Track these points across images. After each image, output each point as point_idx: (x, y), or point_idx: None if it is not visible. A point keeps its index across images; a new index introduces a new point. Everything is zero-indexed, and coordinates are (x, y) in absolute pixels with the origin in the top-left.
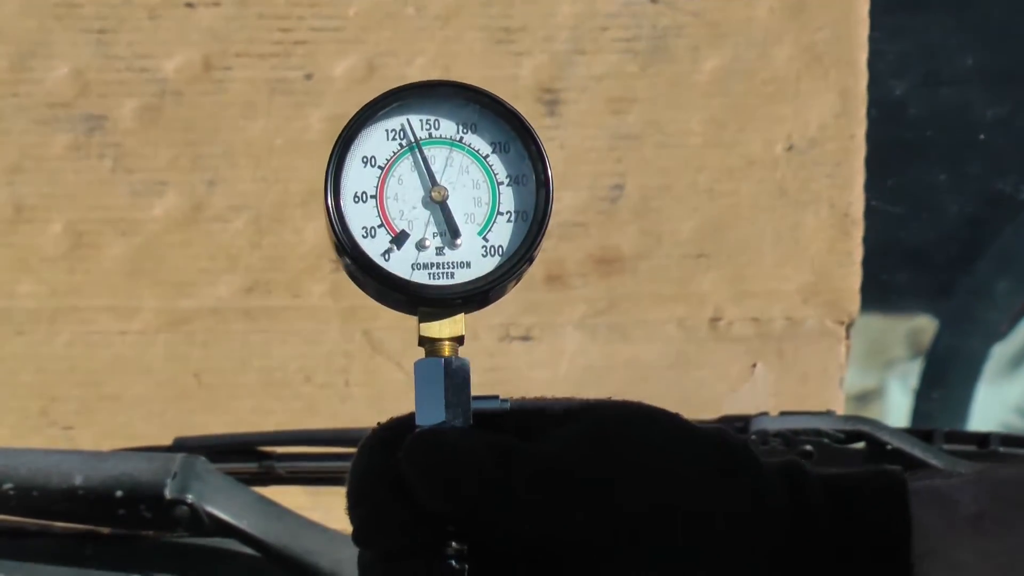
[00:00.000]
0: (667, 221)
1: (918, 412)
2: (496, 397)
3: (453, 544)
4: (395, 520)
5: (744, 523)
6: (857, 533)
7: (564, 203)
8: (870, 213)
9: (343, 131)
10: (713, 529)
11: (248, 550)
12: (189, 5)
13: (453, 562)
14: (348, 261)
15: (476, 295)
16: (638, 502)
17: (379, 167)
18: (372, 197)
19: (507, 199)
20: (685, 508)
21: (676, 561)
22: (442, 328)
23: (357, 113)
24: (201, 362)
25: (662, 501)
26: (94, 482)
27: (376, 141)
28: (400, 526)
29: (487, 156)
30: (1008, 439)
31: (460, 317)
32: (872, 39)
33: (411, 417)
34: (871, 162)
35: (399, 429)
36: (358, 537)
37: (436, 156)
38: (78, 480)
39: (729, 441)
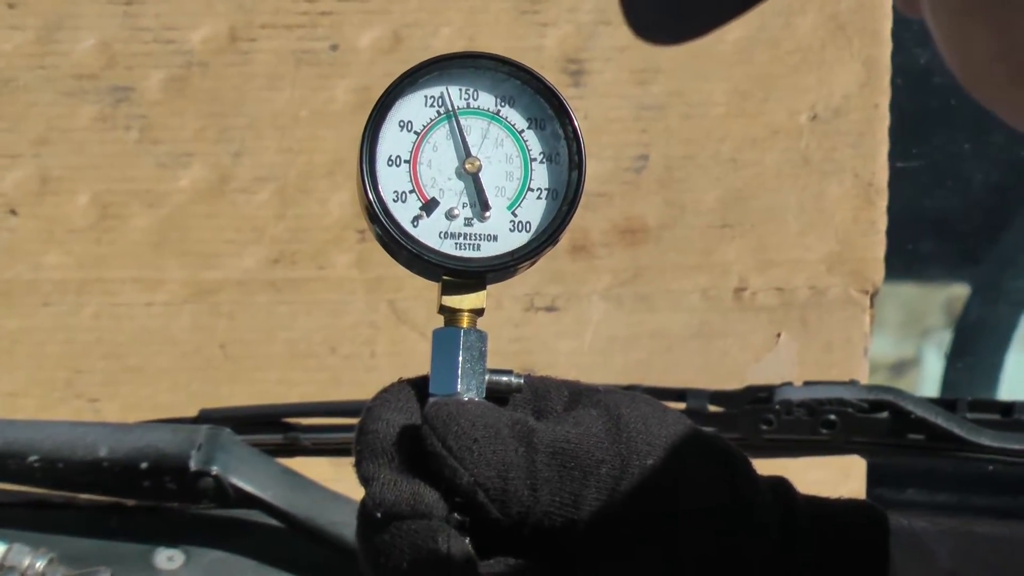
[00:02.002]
0: (691, 191)
1: (947, 381)
2: (511, 371)
3: (456, 515)
4: (407, 485)
5: (738, 532)
6: (839, 565)
7: (588, 173)
8: (895, 182)
9: (383, 94)
10: (708, 529)
11: (273, 521)
12: None
13: (458, 532)
14: (377, 225)
15: (500, 269)
16: (644, 490)
17: (415, 132)
18: (406, 162)
19: (539, 176)
20: (685, 505)
21: (672, 553)
22: (463, 299)
23: (398, 78)
24: (226, 333)
25: (666, 494)
26: (119, 454)
27: (414, 106)
28: (412, 491)
29: (522, 131)
30: None
31: (483, 289)
32: (896, 18)
33: (420, 381)
34: (896, 131)
35: (410, 390)
36: (368, 496)
37: (472, 128)
38: (103, 452)
39: (730, 450)
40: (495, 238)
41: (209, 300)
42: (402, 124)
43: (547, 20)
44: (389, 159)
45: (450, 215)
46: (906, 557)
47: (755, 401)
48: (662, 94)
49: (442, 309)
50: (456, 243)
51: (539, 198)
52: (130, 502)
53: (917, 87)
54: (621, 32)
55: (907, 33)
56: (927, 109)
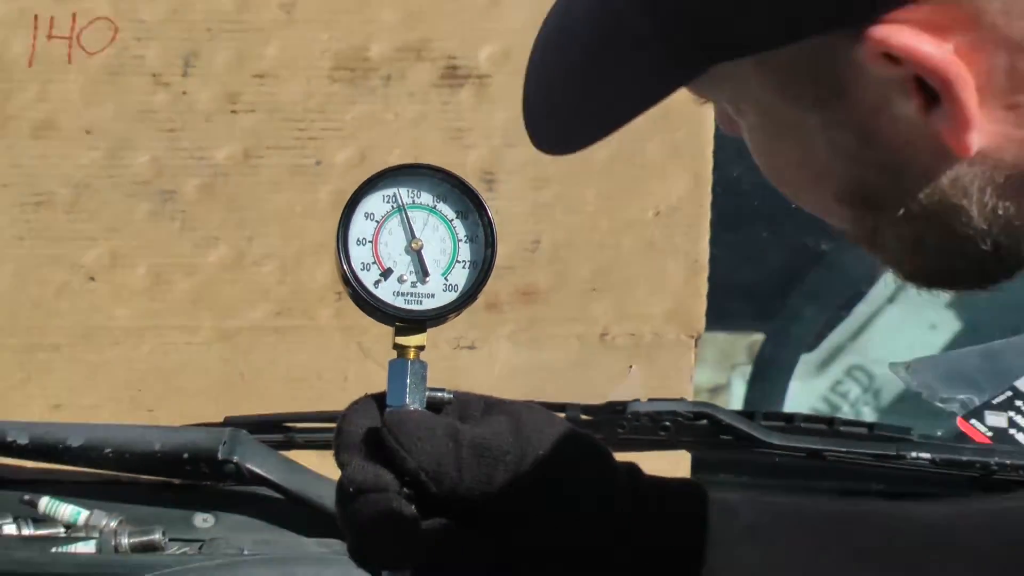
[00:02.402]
0: (571, 266)
1: (748, 399)
2: (444, 389)
3: (405, 490)
4: (370, 468)
5: (606, 501)
6: (673, 528)
7: (499, 251)
8: (713, 260)
9: (353, 194)
10: (582, 506)
11: (276, 495)
12: (234, 112)
13: (406, 502)
14: (349, 287)
15: (436, 318)
16: (536, 474)
17: (376, 221)
18: (369, 242)
19: (464, 252)
20: (565, 486)
21: (561, 520)
22: (410, 339)
23: (363, 182)
24: (244, 365)
25: (553, 476)
26: (168, 447)
27: (375, 202)
28: (373, 473)
29: (452, 220)
30: (808, 418)
31: (424, 332)
32: (717, 136)
33: (380, 396)
34: (715, 224)
35: (372, 402)
36: (344, 476)
37: (416, 217)
38: (157, 446)
39: (597, 444)
40: (433, 296)
41: (231, 341)
42: (367, 215)
43: (469, 144)
44: (357, 240)
45: (401, 280)
46: (717, 517)
47: (614, 412)
48: (551, 196)
49: (395, 346)
50: (405, 299)
51: (464, 268)
52: (176, 481)
53: (730, 192)
54: (522, 152)
55: (723, 154)
56: (737, 208)
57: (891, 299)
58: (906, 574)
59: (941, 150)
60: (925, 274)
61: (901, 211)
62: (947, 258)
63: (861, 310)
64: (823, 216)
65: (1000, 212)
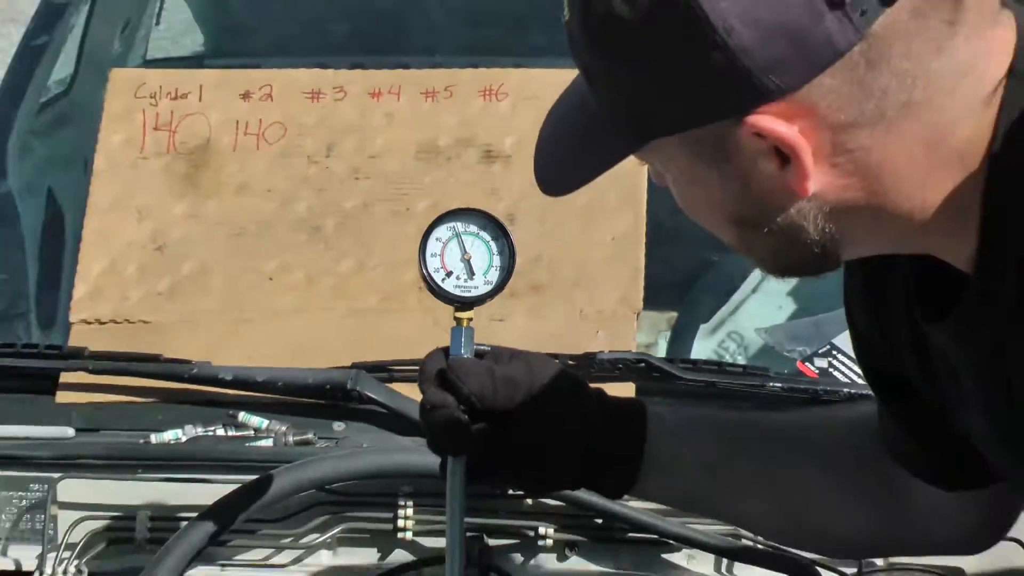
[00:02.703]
0: (561, 271)
1: (669, 352)
2: (484, 344)
3: (461, 407)
4: (439, 393)
5: (584, 414)
6: (625, 433)
7: (516, 262)
8: (648, 267)
9: (428, 226)
10: (573, 414)
11: (383, 411)
12: (356, 179)
13: (462, 413)
14: (427, 283)
15: (480, 301)
16: (540, 400)
17: (442, 242)
18: (438, 255)
19: (496, 261)
20: (560, 402)
21: (554, 431)
22: (464, 314)
23: (435, 219)
24: (364, 332)
25: (553, 397)
26: (318, 381)
27: (443, 231)
28: (442, 396)
29: (489, 241)
30: (706, 362)
31: (472, 310)
32: (650, 187)
33: (445, 349)
34: (649, 244)
35: (441, 353)
36: (424, 398)
37: (467, 240)
38: (310, 380)
39: (580, 379)
40: (477, 288)
41: (357, 318)
42: (437, 238)
43: (500, 197)
44: (431, 254)
45: (457, 278)
46: (653, 426)
47: (588, 360)
48: (549, 228)
49: (455, 319)
50: (461, 290)
51: (496, 270)
52: (322, 402)
53: (658, 225)
54: (532, 202)
55: (653, 201)
56: (666, 234)
57: (755, 289)
58: (775, 454)
59: (790, 192)
60: (781, 268)
61: (766, 230)
62: (794, 258)
63: (737, 297)
64: (718, 234)
65: (827, 230)
